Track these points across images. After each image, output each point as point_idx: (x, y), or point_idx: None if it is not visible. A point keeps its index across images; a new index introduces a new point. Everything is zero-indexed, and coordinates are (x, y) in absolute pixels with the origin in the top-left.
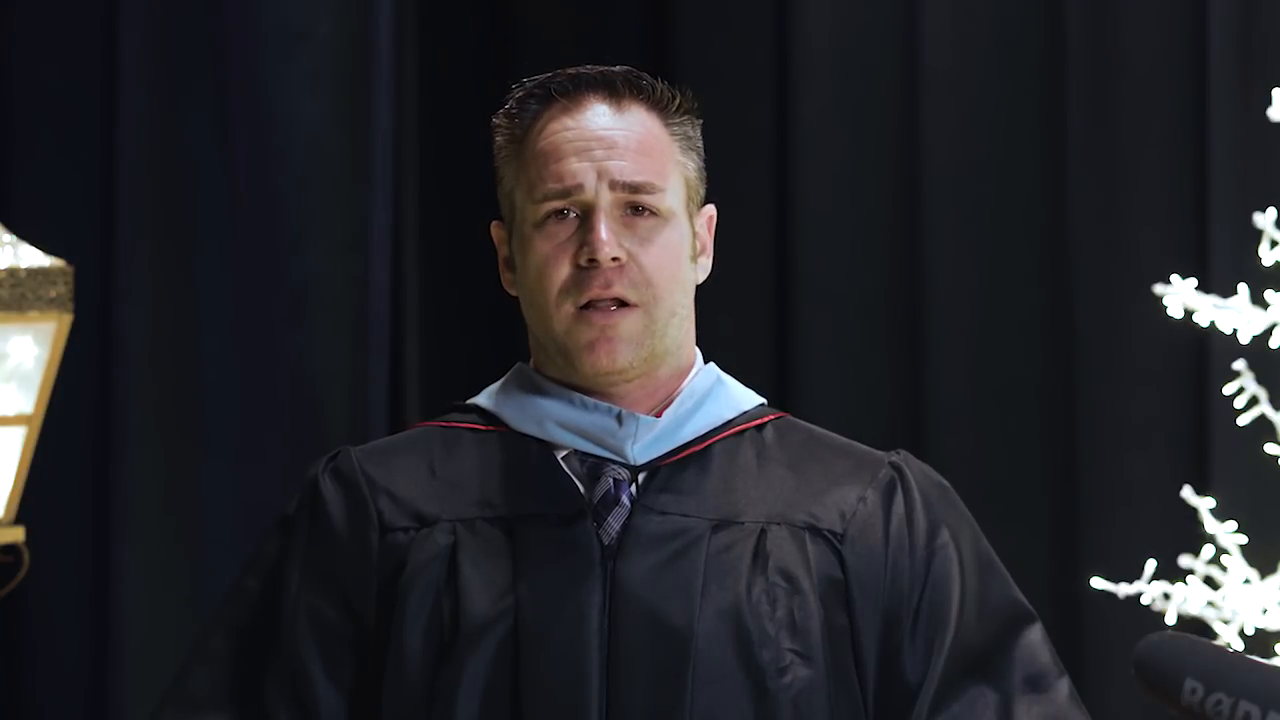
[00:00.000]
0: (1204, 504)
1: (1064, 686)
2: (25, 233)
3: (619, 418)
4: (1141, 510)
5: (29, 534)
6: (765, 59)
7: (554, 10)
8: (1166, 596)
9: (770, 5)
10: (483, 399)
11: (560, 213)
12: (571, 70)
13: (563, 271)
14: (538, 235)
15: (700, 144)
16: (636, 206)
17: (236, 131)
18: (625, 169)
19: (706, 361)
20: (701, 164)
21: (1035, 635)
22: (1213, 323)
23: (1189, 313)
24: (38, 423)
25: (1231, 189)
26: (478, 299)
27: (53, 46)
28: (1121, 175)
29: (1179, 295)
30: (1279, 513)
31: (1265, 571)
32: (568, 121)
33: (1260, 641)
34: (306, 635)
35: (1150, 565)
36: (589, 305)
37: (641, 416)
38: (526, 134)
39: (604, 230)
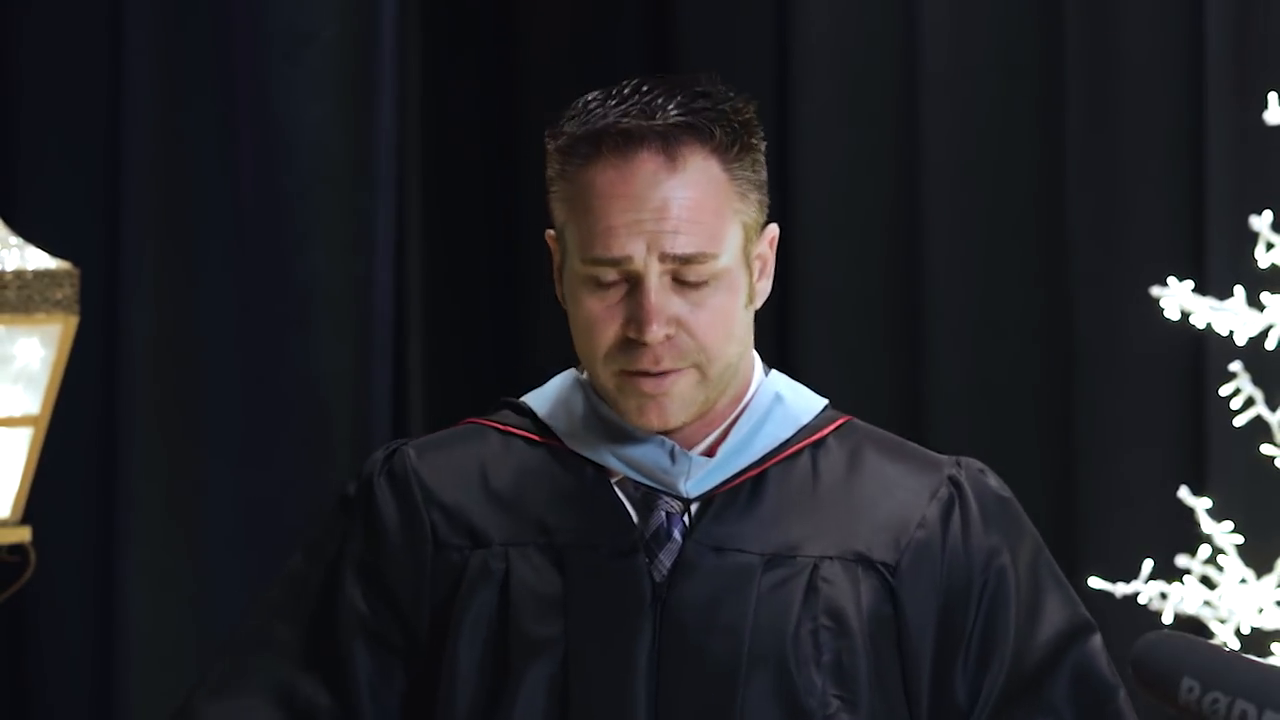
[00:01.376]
0: (1201, 504)
1: (1119, 701)
2: (31, 235)
3: (672, 454)
4: (1139, 510)
5: (35, 533)
6: (765, 61)
7: (556, 13)
8: (1164, 596)
9: (770, 8)
10: (537, 404)
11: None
12: (627, 120)
13: (610, 334)
14: (585, 290)
15: (762, 167)
16: (688, 272)
17: (241, 134)
18: (677, 242)
19: (770, 367)
20: (763, 190)
21: (1091, 649)
22: (1209, 324)
23: (1186, 314)
24: (44, 423)
25: (1228, 192)
26: (479, 300)
27: (58, 50)
28: (1119, 178)
29: (1176, 297)
30: (1275, 513)
31: (1261, 571)
32: (618, 183)
33: (1256, 640)
34: (360, 645)
35: (1147, 565)
36: (637, 372)
37: (695, 457)
38: (577, 176)
39: (652, 308)
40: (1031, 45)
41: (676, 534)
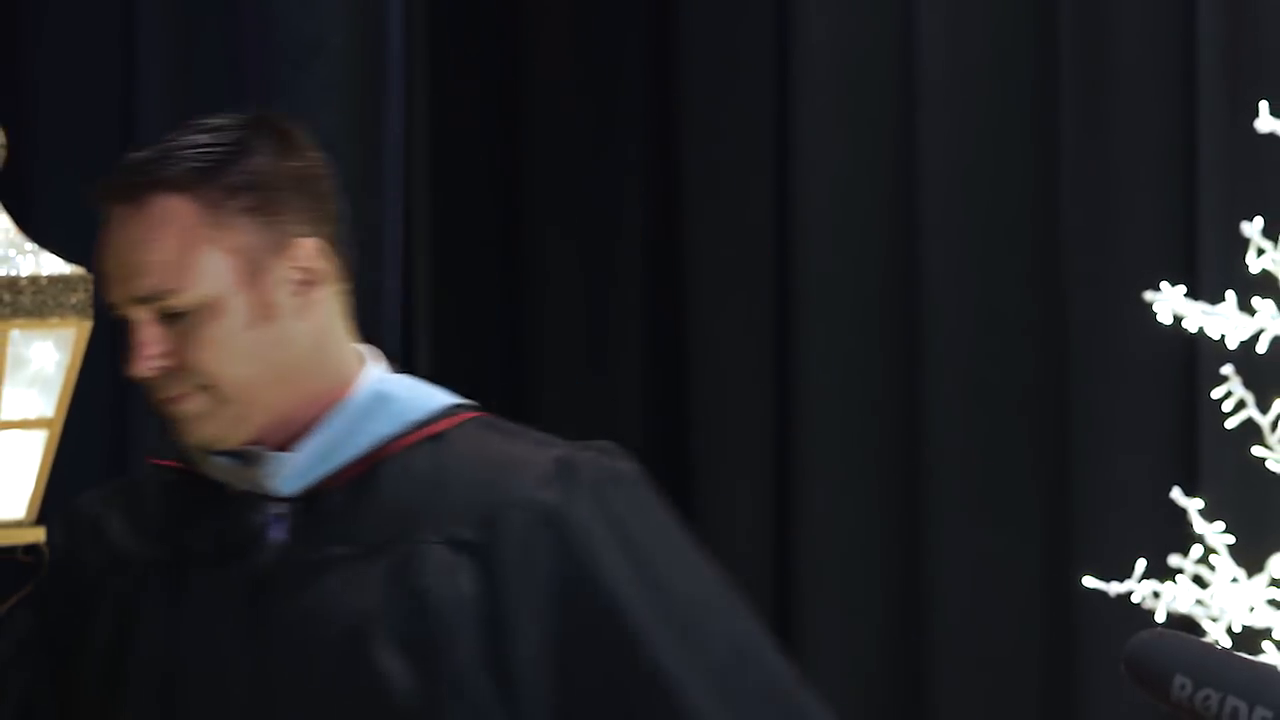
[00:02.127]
0: (1193, 505)
1: (767, 663)
2: (46, 241)
3: (254, 456)
4: (1132, 511)
5: (49, 534)
6: (765, 67)
7: (560, 23)
8: (1156, 595)
9: (770, 17)
10: None
11: None
12: (117, 172)
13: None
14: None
15: (267, 189)
16: (166, 307)
17: None
18: (138, 285)
19: (400, 371)
20: (280, 210)
21: (731, 622)
22: (1201, 328)
23: (1178, 319)
24: (58, 426)
25: (1220, 198)
26: (486, 307)
27: (72, 59)
28: (1113, 184)
29: (1169, 302)
30: (1266, 513)
31: (1252, 570)
32: (103, 232)
33: (1248, 638)
34: (43, 688)
35: (1140, 564)
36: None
37: (279, 454)
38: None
39: (133, 348)
40: (1027, 53)
41: (278, 535)
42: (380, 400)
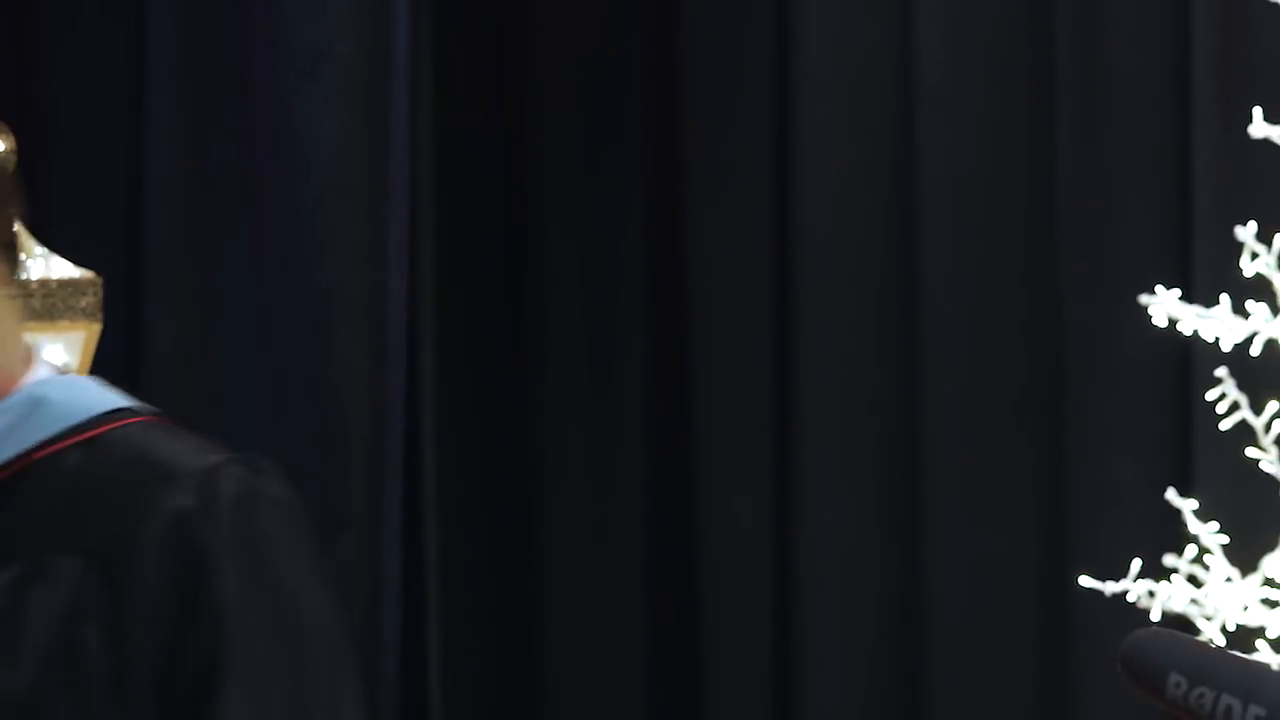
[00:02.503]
0: (1187, 505)
1: None
2: (56, 245)
3: None
4: (1128, 511)
5: None
6: (766, 72)
7: (563, 29)
8: (1151, 594)
9: (770, 21)
10: None
11: None
12: None
13: None
14: None
15: None
16: None
17: (259, 146)
18: None
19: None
20: None
21: (322, 669)
22: (1196, 331)
23: (1173, 322)
24: None
25: (1214, 203)
26: (490, 306)
27: (83, 66)
28: (1108, 190)
29: (1164, 305)
30: (1259, 514)
31: (1246, 570)
32: None
33: (1241, 637)
34: None
35: (1136, 564)
36: None
37: None
38: None
39: None
40: (1024, 57)
41: None
42: (34, 404)
